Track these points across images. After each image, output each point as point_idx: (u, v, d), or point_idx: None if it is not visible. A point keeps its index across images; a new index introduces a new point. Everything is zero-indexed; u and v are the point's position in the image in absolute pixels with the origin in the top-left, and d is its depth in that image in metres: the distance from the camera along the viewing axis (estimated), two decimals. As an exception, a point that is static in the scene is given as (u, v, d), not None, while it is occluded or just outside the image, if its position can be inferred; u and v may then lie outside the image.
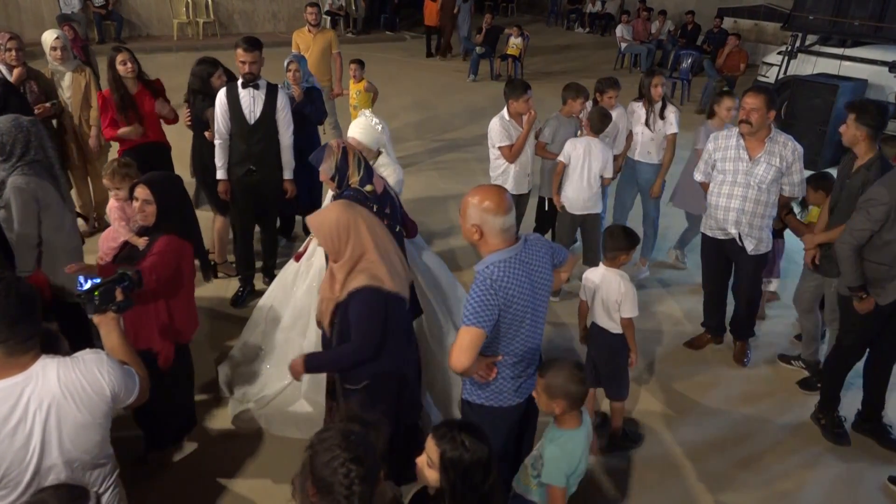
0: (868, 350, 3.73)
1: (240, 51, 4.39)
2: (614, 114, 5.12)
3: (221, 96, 4.47)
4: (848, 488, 3.52)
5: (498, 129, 4.87)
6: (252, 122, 4.47)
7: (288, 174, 4.72)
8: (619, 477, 3.51)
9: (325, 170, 3.06)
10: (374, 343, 2.60)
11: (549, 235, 5.44)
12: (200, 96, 4.77)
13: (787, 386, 4.28)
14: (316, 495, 1.66)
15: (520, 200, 5.10)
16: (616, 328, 3.48)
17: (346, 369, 2.70)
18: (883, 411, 3.84)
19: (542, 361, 2.53)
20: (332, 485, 1.61)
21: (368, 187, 3.04)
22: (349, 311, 2.59)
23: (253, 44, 4.42)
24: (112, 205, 3.71)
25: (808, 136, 7.81)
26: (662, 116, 5.17)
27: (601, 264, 3.59)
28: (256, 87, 4.46)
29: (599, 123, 4.81)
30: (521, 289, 2.39)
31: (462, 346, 2.32)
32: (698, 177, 4.37)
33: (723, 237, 4.21)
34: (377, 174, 3.14)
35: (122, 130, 4.71)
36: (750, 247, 4.10)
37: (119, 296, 2.20)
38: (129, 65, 4.62)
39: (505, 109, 4.92)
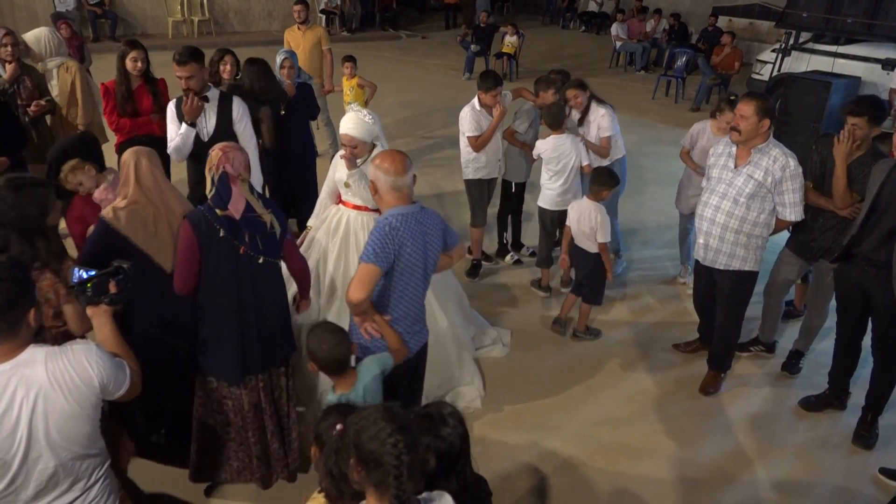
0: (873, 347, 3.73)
1: (174, 65, 3.83)
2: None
3: (171, 107, 4.04)
4: (839, 479, 3.55)
5: (468, 118, 4.89)
6: (206, 139, 3.97)
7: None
8: (616, 466, 3.54)
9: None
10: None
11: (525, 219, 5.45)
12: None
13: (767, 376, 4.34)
14: (362, 472, 1.69)
15: (490, 184, 5.23)
16: (591, 248, 4.38)
17: None
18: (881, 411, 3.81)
19: (312, 326, 2.70)
20: (382, 456, 1.65)
21: (219, 211, 2.74)
22: None
23: (188, 55, 3.82)
24: (96, 196, 3.69)
25: (802, 134, 7.84)
26: (582, 123, 5.05)
27: (584, 197, 4.43)
28: (206, 99, 3.96)
29: (549, 117, 4.82)
30: (414, 241, 2.64)
31: (360, 280, 2.55)
32: (703, 183, 4.08)
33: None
34: (244, 196, 2.82)
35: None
36: (717, 258, 3.85)
37: (112, 288, 2.20)
38: (139, 64, 4.63)
39: (476, 98, 4.91)
